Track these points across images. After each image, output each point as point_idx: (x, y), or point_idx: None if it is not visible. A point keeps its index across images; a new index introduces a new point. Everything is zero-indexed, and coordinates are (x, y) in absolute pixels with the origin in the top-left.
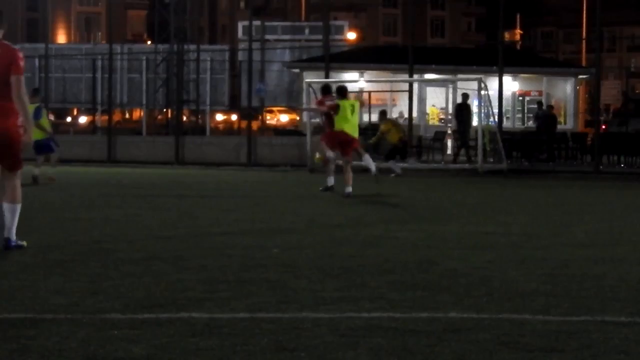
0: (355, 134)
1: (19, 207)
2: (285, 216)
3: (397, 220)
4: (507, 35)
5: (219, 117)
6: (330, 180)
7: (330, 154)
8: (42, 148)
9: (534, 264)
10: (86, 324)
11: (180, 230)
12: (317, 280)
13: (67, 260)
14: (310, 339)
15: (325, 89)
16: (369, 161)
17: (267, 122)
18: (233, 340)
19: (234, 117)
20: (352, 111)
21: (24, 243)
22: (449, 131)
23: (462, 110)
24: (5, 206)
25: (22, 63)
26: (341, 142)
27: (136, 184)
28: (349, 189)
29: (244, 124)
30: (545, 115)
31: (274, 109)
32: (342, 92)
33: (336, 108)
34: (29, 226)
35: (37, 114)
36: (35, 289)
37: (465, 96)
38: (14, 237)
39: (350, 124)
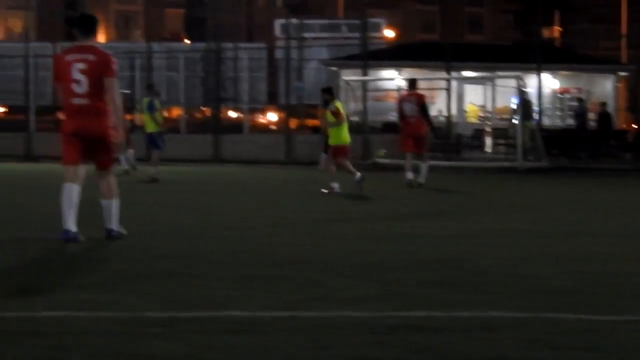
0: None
1: (116, 202)
2: (321, 214)
3: (432, 218)
4: (545, 32)
5: (273, 116)
6: (358, 175)
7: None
8: (151, 142)
9: (570, 262)
10: (124, 322)
11: (217, 228)
12: (355, 278)
13: (103, 257)
14: (348, 337)
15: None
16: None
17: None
18: (271, 338)
19: (270, 115)
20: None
21: (125, 231)
22: (488, 129)
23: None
24: (103, 203)
25: (114, 67)
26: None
27: (174, 182)
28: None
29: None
30: (584, 112)
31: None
32: (332, 92)
33: (339, 112)
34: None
35: (150, 108)
36: (76, 288)
37: (523, 92)
38: (115, 227)
39: (346, 128)
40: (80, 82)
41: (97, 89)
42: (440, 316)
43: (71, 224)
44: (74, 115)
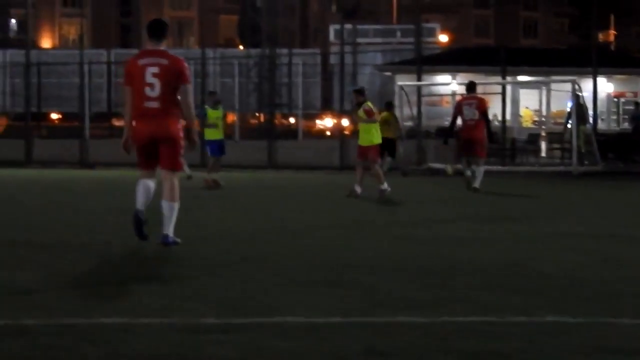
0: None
1: (176, 205)
2: (373, 218)
3: (487, 221)
4: (601, 36)
5: (329, 122)
6: (358, 188)
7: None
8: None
9: (629, 266)
10: (180, 328)
11: (271, 233)
12: (409, 283)
13: (160, 264)
14: (404, 342)
15: (471, 87)
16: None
17: None
18: (326, 343)
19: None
20: None
21: (179, 240)
22: (543, 133)
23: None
24: (164, 204)
25: (188, 72)
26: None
27: (228, 187)
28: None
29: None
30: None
31: None
32: (364, 92)
33: (372, 112)
34: (126, 229)
35: (199, 115)
36: (129, 293)
37: (577, 96)
38: (171, 233)
39: (377, 128)
40: (153, 85)
41: (169, 93)
42: (495, 321)
43: (142, 206)
44: (144, 118)
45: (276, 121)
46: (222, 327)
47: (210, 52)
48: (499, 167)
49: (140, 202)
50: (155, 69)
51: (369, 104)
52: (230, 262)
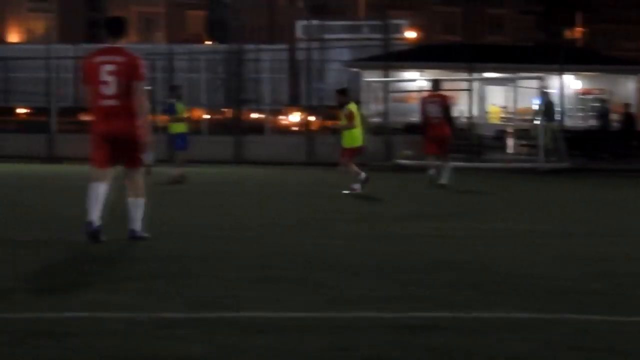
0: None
1: (142, 201)
2: (343, 214)
3: (452, 219)
4: (567, 33)
5: (295, 117)
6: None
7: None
8: (173, 143)
9: (596, 263)
10: (146, 323)
11: (240, 229)
12: (373, 279)
13: (127, 259)
14: (368, 338)
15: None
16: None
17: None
18: (291, 339)
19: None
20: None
21: (147, 235)
22: (510, 130)
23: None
24: (130, 202)
25: (143, 69)
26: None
27: (196, 183)
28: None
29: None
30: (606, 113)
31: None
32: (347, 93)
33: (352, 116)
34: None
35: (169, 110)
36: (97, 288)
37: (545, 93)
38: (138, 228)
39: (359, 131)
40: (109, 83)
41: (126, 91)
42: (460, 317)
43: (95, 217)
44: (103, 117)
45: (243, 117)
46: (191, 323)
47: (177, 48)
48: (466, 164)
49: (93, 212)
50: (111, 67)
51: (350, 106)
52: (197, 258)
